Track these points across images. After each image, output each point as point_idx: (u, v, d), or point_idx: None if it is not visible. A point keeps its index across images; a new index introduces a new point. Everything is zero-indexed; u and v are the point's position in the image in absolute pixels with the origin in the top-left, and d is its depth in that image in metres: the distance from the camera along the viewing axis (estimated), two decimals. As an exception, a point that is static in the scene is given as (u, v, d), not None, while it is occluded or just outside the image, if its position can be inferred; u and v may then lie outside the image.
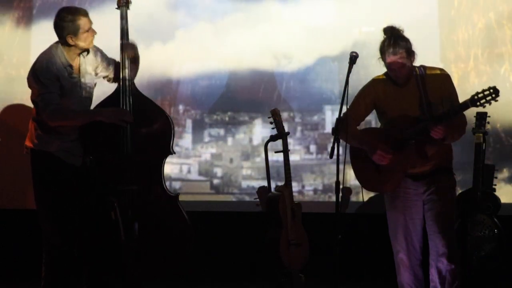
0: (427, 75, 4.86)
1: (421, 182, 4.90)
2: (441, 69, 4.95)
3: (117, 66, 5.43)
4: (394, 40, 4.78)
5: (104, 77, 5.48)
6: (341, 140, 4.76)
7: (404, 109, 4.85)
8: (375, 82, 4.98)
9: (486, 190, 5.94)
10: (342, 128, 4.77)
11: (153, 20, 6.55)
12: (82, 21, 5.15)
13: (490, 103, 4.65)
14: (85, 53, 5.28)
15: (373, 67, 6.19)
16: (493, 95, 4.61)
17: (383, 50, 4.82)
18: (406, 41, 4.81)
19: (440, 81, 4.87)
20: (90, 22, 5.20)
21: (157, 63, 6.56)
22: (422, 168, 4.86)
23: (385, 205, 5.02)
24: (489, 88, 4.63)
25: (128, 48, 5.35)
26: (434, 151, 4.83)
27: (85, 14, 5.20)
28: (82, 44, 5.19)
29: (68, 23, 5.14)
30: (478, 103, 4.65)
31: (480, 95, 4.63)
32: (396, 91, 4.87)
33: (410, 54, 4.81)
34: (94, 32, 5.22)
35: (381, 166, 4.90)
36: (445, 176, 4.92)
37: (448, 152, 4.95)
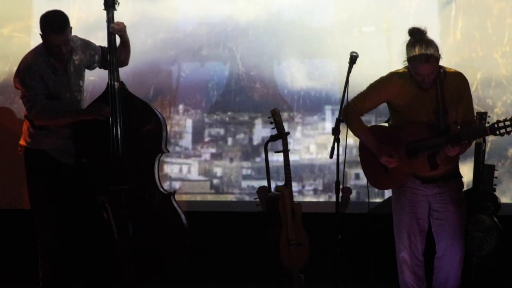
0: (446, 78, 4.79)
1: (430, 185, 4.87)
2: (460, 73, 4.86)
3: (106, 52, 5.44)
4: (425, 46, 4.67)
5: (99, 67, 5.51)
6: (341, 140, 4.76)
7: (419, 113, 4.79)
8: (395, 77, 4.86)
9: (486, 190, 5.94)
10: (348, 114, 4.82)
11: (152, 20, 6.55)
12: (53, 37, 5.15)
13: (509, 134, 4.64)
14: (73, 50, 5.28)
15: (373, 67, 6.21)
16: None
17: (413, 56, 4.69)
18: (435, 45, 4.70)
19: (458, 86, 4.81)
20: (64, 40, 5.16)
21: (156, 63, 6.56)
22: (433, 172, 4.84)
23: (392, 203, 5.00)
24: (511, 119, 4.61)
25: (118, 29, 5.35)
26: (446, 160, 4.82)
27: (60, 31, 5.15)
28: (52, 52, 5.20)
29: (43, 30, 5.18)
30: (497, 132, 4.63)
31: (500, 124, 4.61)
32: (416, 93, 4.79)
33: (439, 59, 4.72)
34: (68, 47, 5.20)
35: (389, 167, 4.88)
36: (454, 180, 4.91)
37: (457, 156, 4.94)
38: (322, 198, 6.47)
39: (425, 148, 4.78)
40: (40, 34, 5.20)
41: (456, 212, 4.87)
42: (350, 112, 4.89)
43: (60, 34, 5.15)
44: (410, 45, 4.73)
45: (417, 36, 4.74)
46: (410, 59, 4.73)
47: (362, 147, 5.02)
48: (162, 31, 6.56)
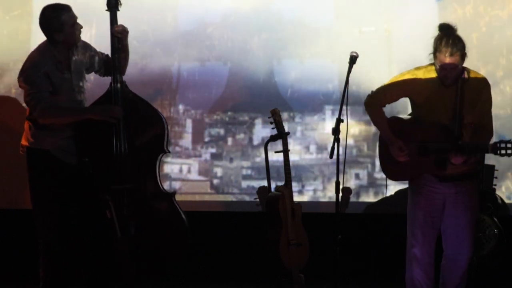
0: (469, 81, 4.82)
1: (447, 184, 4.88)
2: (484, 78, 4.90)
3: (108, 59, 5.45)
4: (452, 40, 4.72)
5: (95, 72, 5.51)
6: (341, 140, 4.77)
7: (437, 111, 4.81)
8: (417, 72, 4.90)
9: (486, 190, 5.94)
10: (369, 103, 4.92)
11: (152, 20, 6.55)
12: (66, 16, 5.20)
13: (509, 156, 4.69)
14: (75, 50, 5.29)
15: (373, 67, 6.21)
16: None
17: (438, 48, 4.73)
18: (463, 43, 4.75)
19: (479, 90, 4.84)
20: (75, 17, 5.25)
21: (156, 63, 6.56)
22: (451, 170, 4.85)
23: (408, 199, 5.01)
24: None
25: (118, 32, 5.36)
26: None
27: (68, 9, 5.24)
28: (69, 39, 5.22)
29: (52, 20, 5.19)
30: (498, 152, 4.68)
31: (502, 145, 4.66)
32: (437, 90, 4.82)
33: (464, 57, 4.76)
34: (80, 26, 5.26)
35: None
36: (471, 181, 4.93)
37: (476, 157, 4.96)
38: (322, 198, 6.47)
39: (433, 150, 4.80)
40: (50, 32, 5.20)
41: (467, 213, 4.88)
42: (371, 102, 4.96)
43: (71, 11, 5.23)
44: (438, 39, 4.77)
45: (446, 31, 4.78)
46: (435, 52, 4.76)
47: (381, 137, 5.05)
48: (162, 31, 6.56)
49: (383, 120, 4.97)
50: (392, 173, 5.07)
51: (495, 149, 4.70)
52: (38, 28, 5.31)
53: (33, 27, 6.56)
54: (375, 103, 4.95)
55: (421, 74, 4.87)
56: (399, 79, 4.93)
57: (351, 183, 6.36)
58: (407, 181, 5.06)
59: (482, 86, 4.87)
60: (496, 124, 5.01)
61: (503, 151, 4.68)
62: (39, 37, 5.39)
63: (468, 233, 4.89)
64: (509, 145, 4.67)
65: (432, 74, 4.84)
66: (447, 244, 4.93)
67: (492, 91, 4.90)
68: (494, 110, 4.97)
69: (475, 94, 4.82)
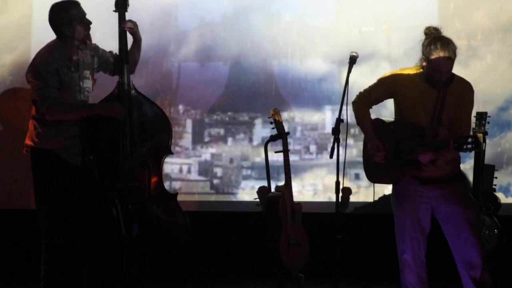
0: (453, 83, 4.80)
1: (430, 187, 4.86)
2: (468, 82, 4.88)
3: (116, 58, 5.45)
4: (447, 43, 4.70)
5: (103, 72, 5.51)
6: (341, 140, 4.77)
7: (418, 112, 4.81)
8: (403, 74, 4.89)
9: (486, 190, 5.94)
10: (356, 103, 4.93)
11: (152, 20, 6.55)
12: (74, 11, 5.21)
13: (470, 151, 4.67)
14: (83, 47, 5.30)
15: (373, 67, 6.22)
16: (473, 145, 4.62)
17: (434, 52, 4.69)
18: (455, 44, 4.74)
19: (461, 91, 4.82)
20: (83, 12, 5.26)
21: (156, 63, 6.57)
22: (432, 173, 4.85)
23: (392, 204, 4.99)
24: (472, 137, 4.63)
25: (129, 27, 5.37)
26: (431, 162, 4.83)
27: (77, 4, 5.25)
28: (78, 34, 5.22)
29: (61, 14, 5.19)
30: (458, 147, 4.63)
31: (462, 140, 4.62)
32: (421, 91, 4.81)
33: (455, 59, 4.76)
34: (89, 22, 5.26)
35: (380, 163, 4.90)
36: (458, 182, 4.90)
37: (458, 158, 4.95)
38: (322, 198, 6.48)
39: (403, 150, 4.80)
40: (60, 28, 5.20)
41: (465, 212, 4.83)
42: (358, 101, 4.97)
43: (80, 6, 5.24)
44: (430, 42, 4.74)
45: (436, 34, 4.77)
46: (430, 56, 4.73)
47: (365, 140, 5.05)
48: (162, 31, 6.56)
49: (367, 120, 4.97)
50: (373, 176, 5.06)
51: (455, 144, 4.64)
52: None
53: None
54: (363, 102, 4.96)
55: (406, 75, 4.86)
56: (385, 79, 4.94)
57: (351, 183, 6.36)
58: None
59: (465, 90, 4.84)
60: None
61: (463, 146, 4.62)
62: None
63: (469, 232, 4.82)
64: (469, 140, 4.62)
65: (417, 75, 4.83)
66: (454, 249, 4.86)
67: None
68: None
69: (457, 96, 4.80)
